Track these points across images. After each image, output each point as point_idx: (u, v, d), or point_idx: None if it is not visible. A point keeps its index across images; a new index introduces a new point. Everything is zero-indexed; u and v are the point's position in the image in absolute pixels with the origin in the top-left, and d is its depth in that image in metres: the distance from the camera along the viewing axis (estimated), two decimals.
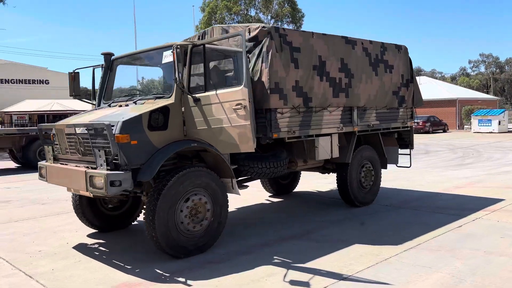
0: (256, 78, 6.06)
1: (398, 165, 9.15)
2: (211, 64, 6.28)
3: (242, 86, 5.00)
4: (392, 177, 11.07)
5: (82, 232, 6.56)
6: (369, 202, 8.01)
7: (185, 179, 5.16)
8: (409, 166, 9.11)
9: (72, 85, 6.67)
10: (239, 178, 6.52)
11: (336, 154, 7.22)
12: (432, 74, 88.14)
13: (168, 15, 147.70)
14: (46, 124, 6.56)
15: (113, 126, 4.89)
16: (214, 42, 5.95)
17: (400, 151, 9.10)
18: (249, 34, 6.24)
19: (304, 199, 8.76)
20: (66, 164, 5.59)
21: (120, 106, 5.88)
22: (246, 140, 5.07)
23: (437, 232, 6.07)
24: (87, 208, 6.40)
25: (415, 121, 34.15)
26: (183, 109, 5.51)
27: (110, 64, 6.59)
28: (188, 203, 5.21)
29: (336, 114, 7.09)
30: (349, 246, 5.57)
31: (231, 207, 8.06)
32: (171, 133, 5.26)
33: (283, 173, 6.76)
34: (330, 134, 7.10)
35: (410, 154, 9.08)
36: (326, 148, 7.02)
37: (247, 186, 6.50)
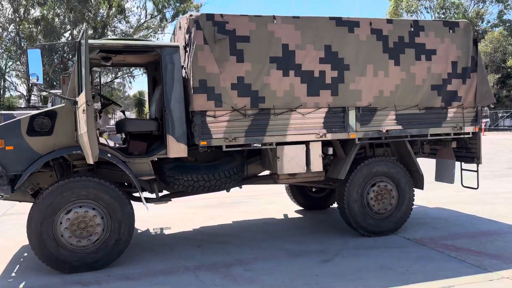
0: (188, 76, 5.24)
1: (464, 185, 6.80)
2: None
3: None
4: (500, 199, 8.26)
5: None
6: (385, 231, 6.06)
7: (65, 189, 4.78)
8: (476, 187, 6.62)
9: (62, 88, 6.92)
10: (169, 192, 5.75)
11: (317, 167, 5.72)
12: None
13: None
14: None
15: None
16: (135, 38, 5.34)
17: (465, 166, 6.75)
18: (186, 25, 5.42)
19: (325, 218, 7.21)
20: None
21: None
22: (88, 151, 4.37)
23: None
24: None
25: None
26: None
27: None
28: (70, 215, 4.81)
29: (314, 117, 5.59)
30: None
31: (232, 219, 7.27)
32: (57, 138, 4.91)
33: (230, 187, 5.69)
34: (306, 142, 5.65)
35: (477, 171, 6.58)
36: (298, 160, 5.61)
37: (169, 200, 5.65)
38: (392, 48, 5.86)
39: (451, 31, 6.15)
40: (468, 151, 6.63)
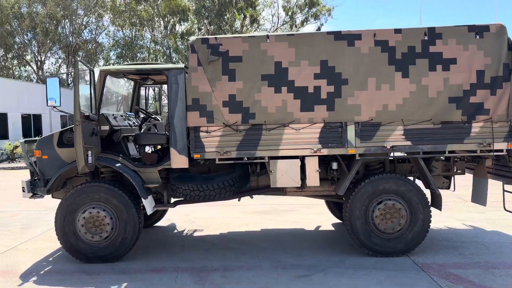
0: None
1: (506, 209, 6.05)
2: None
3: None
4: None
5: None
6: (394, 252, 5.73)
7: (81, 193, 5.73)
8: None
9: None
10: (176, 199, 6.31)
11: (313, 182, 5.74)
12: None
13: None
14: None
15: None
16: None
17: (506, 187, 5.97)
18: None
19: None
20: None
21: None
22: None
23: None
24: None
25: None
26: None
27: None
28: (85, 214, 5.73)
29: (309, 132, 5.63)
30: None
31: (263, 227, 7.57)
32: None
33: (228, 197, 6.03)
34: (301, 157, 5.71)
35: None
36: (291, 174, 5.71)
37: (173, 206, 6.22)
38: (400, 59, 5.54)
39: (477, 37, 5.53)
40: (508, 170, 5.85)
